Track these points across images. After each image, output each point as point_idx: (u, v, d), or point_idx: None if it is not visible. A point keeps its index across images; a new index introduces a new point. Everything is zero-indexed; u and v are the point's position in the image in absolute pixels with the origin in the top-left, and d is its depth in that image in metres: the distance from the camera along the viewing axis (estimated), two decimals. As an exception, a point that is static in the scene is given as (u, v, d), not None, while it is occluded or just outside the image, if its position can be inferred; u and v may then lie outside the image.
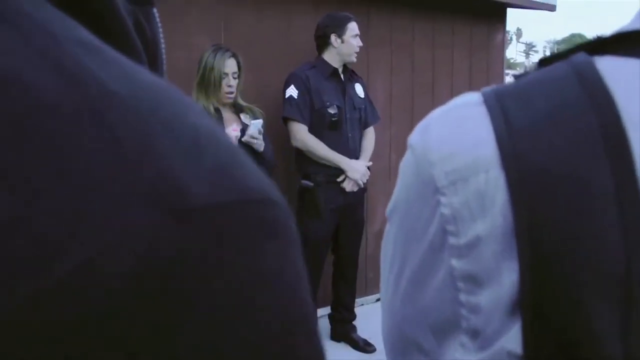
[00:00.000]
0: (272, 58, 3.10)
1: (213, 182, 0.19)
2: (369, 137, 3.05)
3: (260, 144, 2.44)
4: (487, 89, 0.37)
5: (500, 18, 4.27)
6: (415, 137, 0.40)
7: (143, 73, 0.22)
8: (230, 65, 2.47)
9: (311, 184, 2.77)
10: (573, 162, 0.30)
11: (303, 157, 2.84)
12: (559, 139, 0.31)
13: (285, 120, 2.79)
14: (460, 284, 0.34)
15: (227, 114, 2.52)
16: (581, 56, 0.34)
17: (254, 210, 0.20)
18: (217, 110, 2.48)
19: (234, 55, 2.50)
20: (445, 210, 0.35)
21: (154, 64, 0.31)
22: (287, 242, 0.22)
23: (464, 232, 0.34)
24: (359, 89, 2.96)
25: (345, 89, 2.88)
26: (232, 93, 2.49)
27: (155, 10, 0.34)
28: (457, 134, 0.36)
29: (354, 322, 3.21)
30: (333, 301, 3.18)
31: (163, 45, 0.33)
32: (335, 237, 3.00)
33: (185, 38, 2.86)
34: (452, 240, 0.35)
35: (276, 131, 2.89)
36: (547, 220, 0.30)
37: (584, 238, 0.29)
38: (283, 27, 3.17)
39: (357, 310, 3.60)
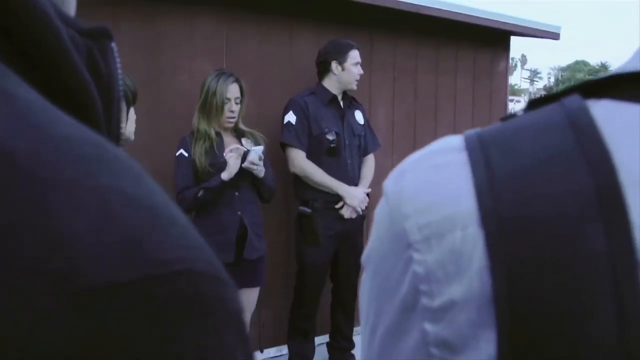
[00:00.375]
0: (273, 83, 3.10)
1: (116, 258, 0.17)
2: (369, 164, 3.02)
3: (260, 170, 2.42)
4: (471, 132, 0.34)
5: (504, 45, 4.27)
6: (389, 184, 0.36)
7: (60, 125, 0.19)
8: (232, 91, 2.46)
9: (309, 210, 2.73)
10: (562, 224, 0.27)
11: (301, 183, 2.81)
12: (546, 196, 0.27)
13: (284, 146, 2.77)
14: (434, 350, 0.31)
15: (229, 139, 2.51)
16: (575, 100, 0.31)
17: (166, 286, 0.17)
18: (219, 135, 2.47)
19: (237, 81, 2.49)
20: (419, 269, 0.31)
21: (108, 98, 0.29)
22: (213, 318, 0.19)
23: (439, 294, 0.30)
24: (358, 116, 2.95)
25: (344, 116, 2.86)
26: (233, 118, 2.48)
27: (113, 44, 0.31)
28: (434, 184, 0.32)
29: (352, 351, 3.14)
30: (332, 329, 3.12)
31: (120, 79, 0.31)
32: (334, 265, 2.95)
33: (188, 63, 2.86)
34: (425, 301, 0.31)
35: (277, 157, 2.87)
36: (530, 288, 0.26)
37: (572, 311, 0.26)
38: (285, 52, 3.17)
39: (356, 338, 3.53)
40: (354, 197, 2.77)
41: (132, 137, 1.62)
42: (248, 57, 3.04)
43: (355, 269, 2.99)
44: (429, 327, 0.31)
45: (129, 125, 1.57)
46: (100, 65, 0.29)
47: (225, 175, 2.35)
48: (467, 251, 0.29)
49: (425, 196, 0.32)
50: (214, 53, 2.95)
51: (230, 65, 2.99)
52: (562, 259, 0.26)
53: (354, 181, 2.84)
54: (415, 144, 3.77)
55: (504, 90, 4.26)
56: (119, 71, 0.31)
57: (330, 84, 2.84)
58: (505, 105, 4.29)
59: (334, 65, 2.81)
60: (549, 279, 0.26)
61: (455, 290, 0.29)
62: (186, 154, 2.40)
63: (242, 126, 2.54)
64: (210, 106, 2.41)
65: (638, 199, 0.27)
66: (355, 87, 2.88)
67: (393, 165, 3.73)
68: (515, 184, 0.28)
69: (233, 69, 2.99)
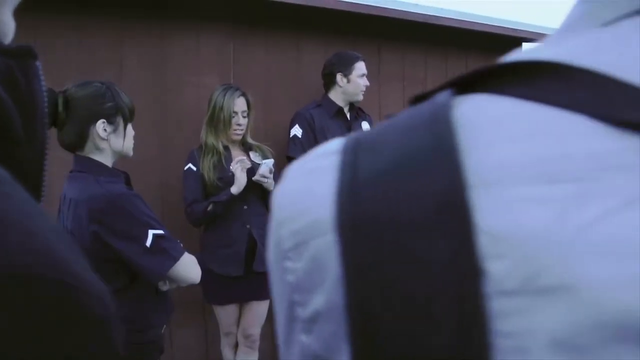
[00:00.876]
0: (281, 96, 3.12)
1: None
2: None
3: (271, 183, 2.43)
4: (353, 134, 0.32)
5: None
6: (275, 190, 0.35)
7: None
8: (239, 104, 2.48)
9: None
10: (407, 231, 0.25)
11: None
12: (396, 200, 0.26)
13: (290, 159, 2.77)
14: None
15: (236, 152, 2.52)
16: (444, 95, 0.29)
17: None
18: (227, 149, 2.48)
19: (243, 95, 2.51)
20: (291, 277, 0.30)
21: (29, 116, 0.29)
22: (48, 318, 0.19)
23: (307, 304, 0.29)
24: (365, 127, 2.94)
25: (350, 128, 2.86)
26: (241, 131, 2.49)
27: (37, 63, 0.31)
28: (305, 189, 0.31)
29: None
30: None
31: (45, 97, 0.31)
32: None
33: (195, 77, 2.89)
34: (299, 311, 0.30)
35: (285, 169, 2.86)
36: (374, 300, 0.25)
37: (415, 325, 0.24)
38: (292, 65, 3.18)
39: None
40: None
41: (131, 152, 1.63)
42: (255, 71, 3.07)
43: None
44: (304, 338, 0.29)
45: (127, 142, 1.59)
46: (21, 83, 0.29)
47: (234, 190, 2.36)
48: (326, 259, 0.28)
49: (296, 202, 0.31)
50: (221, 67, 2.97)
51: (238, 79, 3.02)
52: (405, 269, 0.24)
53: None
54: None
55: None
56: (44, 89, 0.31)
57: (336, 96, 2.85)
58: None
59: (339, 77, 2.81)
60: (393, 291, 0.24)
61: (318, 301, 0.28)
62: (194, 168, 2.42)
63: (250, 140, 2.56)
64: (218, 120, 2.43)
65: (487, 201, 0.25)
66: (361, 99, 2.87)
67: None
68: (373, 187, 0.27)
69: (240, 82, 3.01)
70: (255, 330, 2.52)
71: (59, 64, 2.58)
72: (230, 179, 2.38)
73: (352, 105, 2.90)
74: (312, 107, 2.84)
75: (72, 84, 1.50)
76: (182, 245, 1.57)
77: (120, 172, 1.60)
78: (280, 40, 3.17)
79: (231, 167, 2.35)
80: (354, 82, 2.81)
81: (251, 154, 2.52)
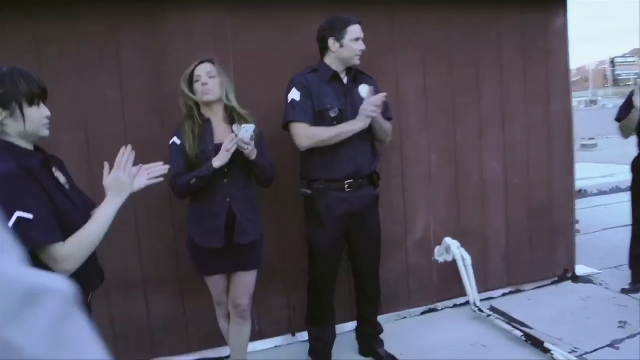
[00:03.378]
0: (284, 71, 3.04)
1: None
2: None
3: (252, 151, 2.40)
4: None
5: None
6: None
7: None
8: (202, 69, 2.50)
9: (309, 191, 2.70)
10: None
11: (305, 166, 2.78)
12: None
13: (288, 124, 2.71)
14: None
15: (218, 123, 2.52)
16: None
17: None
18: (208, 121, 2.50)
19: (208, 61, 2.53)
20: None
21: None
22: None
23: None
24: (362, 92, 2.81)
25: (347, 92, 2.76)
26: (209, 90, 2.48)
27: None
28: None
29: (381, 336, 3.06)
30: (357, 316, 3.07)
31: None
32: (350, 249, 2.90)
33: (192, 56, 2.95)
34: None
35: (288, 140, 2.86)
36: None
37: None
38: (294, 35, 3.13)
39: (397, 323, 3.43)
40: (363, 117, 2.61)
41: (42, 133, 1.61)
42: (255, 43, 3.06)
43: (372, 252, 2.90)
44: None
45: (29, 124, 1.56)
46: None
47: (217, 163, 2.37)
48: None
49: None
50: (218, 44, 3.01)
51: (237, 54, 3.04)
52: None
53: (355, 161, 2.73)
54: (455, 118, 3.55)
55: (563, 53, 3.84)
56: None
57: (331, 60, 2.76)
58: (566, 70, 3.86)
59: (331, 42, 2.72)
60: None
61: None
62: (178, 142, 2.47)
63: (238, 109, 2.55)
64: (186, 90, 2.48)
65: None
66: (357, 63, 2.74)
67: (430, 142, 3.58)
68: None
69: (240, 57, 3.04)
70: (244, 301, 2.56)
71: (56, 50, 2.75)
72: (211, 154, 2.41)
73: (350, 69, 2.80)
74: (307, 72, 2.76)
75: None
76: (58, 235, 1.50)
77: (33, 151, 1.62)
78: (281, 11, 3.12)
79: (225, 146, 2.36)
80: (348, 47, 2.70)
81: (234, 127, 2.53)
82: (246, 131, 2.35)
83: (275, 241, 3.14)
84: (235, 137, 2.35)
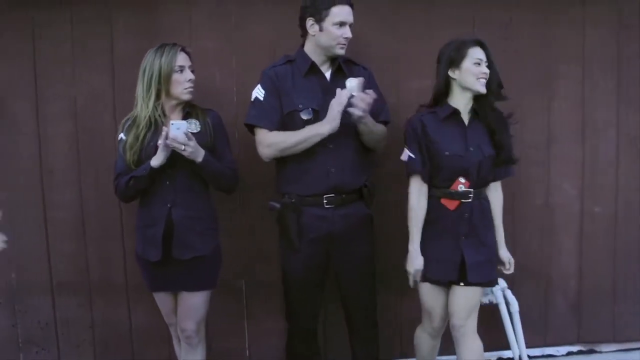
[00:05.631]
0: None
1: None
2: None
3: (193, 152, 2.06)
4: None
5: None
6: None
7: None
8: (182, 59, 2.18)
9: (277, 205, 2.24)
10: None
11: (277, 176, 2.34)
12: None
13: (250, 128, 2.30)
14: None
15: (172, 117, 2.20)
16: None
17: None
18: (160, 118, 2.18)
19: (183, 50, 2.20)
20: None
21: None
22: None
23: None
24: (350, 86, 2.25)
25: (329, 88, 2.25)
26: (192, 87, 2.19)
27: None
28: None
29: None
30: (352, 358, 2.51)
31: None
32: (336, 278, 2.38)
33: (187, 43, 2.65)
34: None
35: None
36: None
37: None
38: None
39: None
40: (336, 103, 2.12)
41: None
42: (261, 29, 2.67)
43: (361, 283, 2.35)
44: None
45: None
46: None
47: (154, 162, 2.07)
48: None
49: None
50: (220, 31, 2.67)
51: (240, 44, 2.68)
52: None
53: (336, 174, 2.21)
54: (523, 127, 2.81)
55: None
56: None
57: (310, 48, 2.27)
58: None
59: (309, 23, 2.23)
60: None
61: None
62: (125, 137, 2.19)
63: (196, 104, 2.24)
64: (157, 83, 2.14)
65: None
66: (340, 52, 2.23)
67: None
68: None
69: (243, 47, 2.68)
70: (189, 325, 2.21)
71: (51, 36, 2.62)
72: (151, 150, 2.11)
73: (334, 60, 2.29)
74: (281, 62, 2.31)
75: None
76: None
77: None
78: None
79: (158, 143, 2.06)
80: (328, 32, 2.20)
81: (188, 121, 2.17)
82: (177, 128, 2.00)
83: (272, 256, 2.72)
84: (169, 133, 2.01)
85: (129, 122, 2.22)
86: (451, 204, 2.21)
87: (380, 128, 2.30)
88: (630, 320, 2.96)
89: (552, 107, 2.84)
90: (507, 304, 2.72)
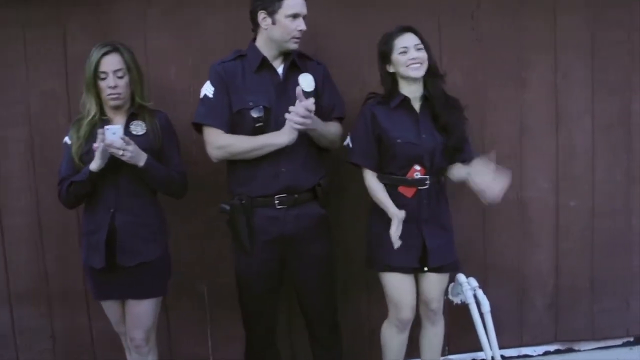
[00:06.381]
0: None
1: None
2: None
3: (133, 157, 1.97)
4: None
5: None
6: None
7: None
8: (108, 63, 2.06)
9: (227, 207, 2.14)
10: None
11: (228, 178, 2.24)
12: None
13: (198, 127, 2.20)
14: None
15: (117, 120, 2.12)
16: None
17: None
18: (105, 121, 2.08)
19: (116, 50, 2.08)
20: None
21: None
22: None
23: None
24: (306, 81, 2.18)
25: (282, 84, 2.16)
26: (116, 95, 2.07)
27: None
28: None
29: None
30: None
31: None
32: (292, 282, 2.29)
33: (142, 42, 2.56)
34: None
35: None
36: None
37: None
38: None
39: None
40: (294, 114, 2.02)
41: None
42: (215, 28, 2.55)
43: (319, 286, 2.26)
44: None
45: None
46: None
47: (93, 166, 1.98)
48: None
49: None
50: (175, 28, 2.56)
51: (195, 41, 2.57)
52: None
53: (287, 175, 2.12)
54: (484, 114, 2.71)
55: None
56: None
57: (262, 42, 2.17)
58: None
59: (260, 16, 2.12)
60: None
61: None
62: (69, 141, 2.11)
63: (144, 102, 2.15)
64: (87, 85, 2.07)
65: None
66: (293, 47, 2.14)
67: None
68: None
69: (198, 44, 2.58)
70: (137, 334, 2.13)
71: (2, 41, 2.52)
72: (93, 155, 2.00)
73: (288, 54, 2.18)
74: (231, 58, 2.20)
75: None
76: None
77: None
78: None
79: (94, 146, 1.97)
80: (281, 25, 2.09)
81: (133, 123, 2.11)
82: (113, 133, 1.92)
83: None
84: (105, 138, 1.92)
85: (75, 124, 2.14)
86: (408, 192, 2.19)
87: (332, 129, 2.22)
88: (609, 318, 2.85)
89: (524, 97, 2.72)
90: (478, 304, 2.63)
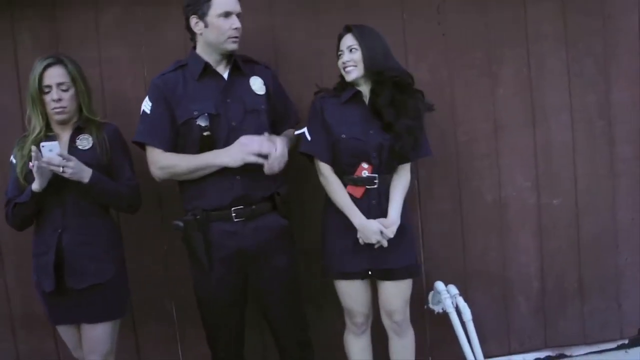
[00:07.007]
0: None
1: None
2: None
3: (75, 173, 1.87)
4: None
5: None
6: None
7: None
8: (52, 75, 1.97)
9: (181, 224, 2.03)
10: None
11: (181, 191, 2.13)
12: None
13: (141, 145, 2.10)
14: None
15: (64, 136, 2.04)
16: None
17: None
18: (51, 137, 1.98)
19: (60, 62, 1.99)
20: None
21: None
22: None
23: None
24: (256, 84, 2.09)
25: (229, 89, 2.06)
26: (61, 109, 1.98)
27: None
28: None
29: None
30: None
31: None
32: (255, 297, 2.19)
33: (96, 53, 2.48)
34: None
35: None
36: None
37: None
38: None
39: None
40: (237, 151, 1.96)
41: None
42: (171, 36, 2.44)
43: (283, 302, 2.14)
44: None
45: None
46: None
47: (35, 186, 1.89)
48: None
49: None
50: (130, 37, 2.47)
51: (151, 50, 2.48)
52: None
53: (242, 184, 2.01)
54: (456, 113, 2.60)
55: (634, 15, 2.63)
56: None
57: (201, 48, 2.08)
58: (638, 42, 2.66)
59: (193, 21, 2.03)
60: None
61: None
62: (14, 160, 2.02)
63: (93, 117, 2.05)
64: (31, 98, 1.99)
65: None
66: (233, 47, 2.03)
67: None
68: None
69: (154, 53, 2.48)
70: (93, 358, 2.03)
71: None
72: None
73: (230, 57, 2.09)
74: (171, 69, 2.09)
75: None
76: None
77: None
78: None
79: (30, 165, 1.88)
80: (214, 26, 2.00)
81: (79, 138, 2.01)
82: (50, 150, 1.83)
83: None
84: (41, 156, 1.83)
85: (19, 142, 2.05)
86: (357, 191, 2.09)
87: (289, 135, 2.15)
88: (601, 319, 2.71)
89: (496, 92, 2.61)
90: (459, 312, 2.50)
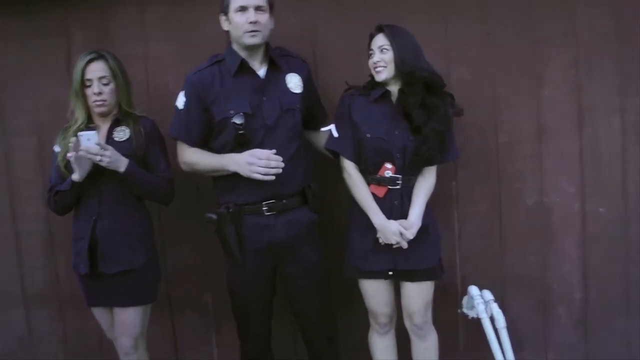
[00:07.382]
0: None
1: None
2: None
3: (112, 162, 1.97)
4: None
5: None
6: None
7: None
8: (93, 70, 2.07)
9: (214, 216, 2.08)
10: None
11: (214, 184, 2.18)
12: None
13: (174, 138, 2.18)
14: None
15: (104, 128, 2.14)
16: None
17: None
18: (92, 128, 2.08)
19: (102, 57, 2.09)
20: None
21: None
22: None
23: None
24: (293, 82, 2.10)
25: (265, 87, 2.08)
26: (102, 102, 2.08)
27: None
28: None
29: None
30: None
31: None
32: (285, 290, 2.21)
33: (141, 49, 2.58)
34: None
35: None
36: None
37: None
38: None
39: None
40: (252, 157, 2.00)
41: None
42: (212, 34, 2.44)
43: (310, 297, 2.17)
44: None
45: None
46: None
47: (75, 176, 2.00)
48: None
49: None
50: (172, 34, 2.56)
51: (193, 47, 2.54)
52: None
53: (273, 181, 2.02)
54: (498, 112, 2.50)
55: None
56: None
57: (234, 45, 2.11)
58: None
59: (222, 20, 2.09)
60: None
61: None
62: (57, 149, 2.15)
63: (132, 110, 2.15)
64: (74, 92, 2.09)
65: None
66: (251, 42, 2.03)
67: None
68: None
69: (196, 50, 2.54)
70: (125, 341, 2.13)
71: (11, 49, 2.63)
72: None
73: (265, 53, 2.10)
74: (207, 64, 2.13)
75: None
76: None
77: None
78: None
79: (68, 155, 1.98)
80: (233, 21, 2.04)
81: (117, 130, 2.10)
82: (88, 139, 1.92)
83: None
84: (80, 145, 1.93)
85: (62, 132, 2.17)
86: (379, 191, 2.09)
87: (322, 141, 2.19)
88: (648, 337, 2.55)
89: (542, 94, 2.49)
90: (492, 319, 2.42)
